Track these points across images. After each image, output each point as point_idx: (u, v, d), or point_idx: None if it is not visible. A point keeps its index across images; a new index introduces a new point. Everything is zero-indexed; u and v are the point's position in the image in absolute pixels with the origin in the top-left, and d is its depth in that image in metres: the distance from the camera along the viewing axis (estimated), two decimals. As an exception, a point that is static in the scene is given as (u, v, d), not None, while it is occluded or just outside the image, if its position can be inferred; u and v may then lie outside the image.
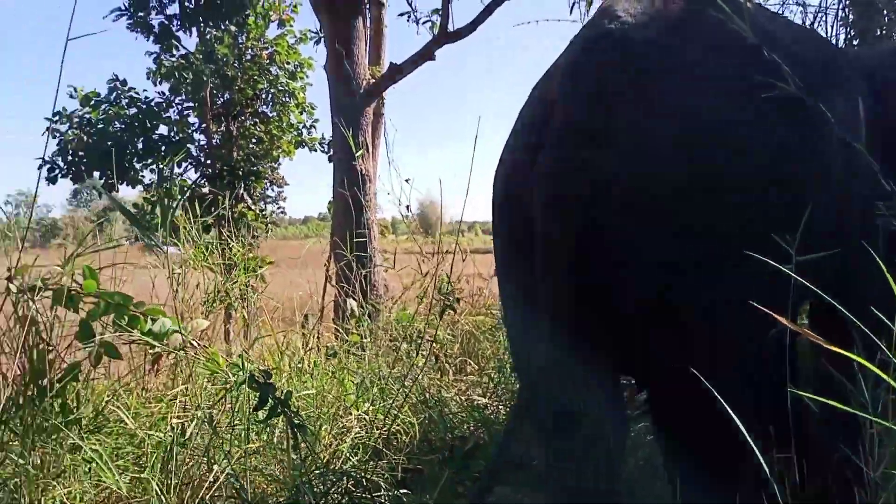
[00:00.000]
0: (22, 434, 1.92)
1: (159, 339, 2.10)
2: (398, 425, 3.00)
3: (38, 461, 1.97)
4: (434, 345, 3.67)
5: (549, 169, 1.73)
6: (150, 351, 2.25)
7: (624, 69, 1.66)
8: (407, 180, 5.70)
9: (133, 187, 9.64)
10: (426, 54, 6.06)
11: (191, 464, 2.28)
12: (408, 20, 7.42)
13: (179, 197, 3.02)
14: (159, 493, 1.83)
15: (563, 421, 1.80)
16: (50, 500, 1.92)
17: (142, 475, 2.10)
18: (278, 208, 10.84)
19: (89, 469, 2.10)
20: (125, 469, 2.19)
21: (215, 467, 2.27)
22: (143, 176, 9.75)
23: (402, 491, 2.60)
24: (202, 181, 9.46)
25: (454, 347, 4.34)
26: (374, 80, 6.21)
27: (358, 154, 5.39)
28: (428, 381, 3.52)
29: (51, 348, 2.04)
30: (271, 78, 10.40)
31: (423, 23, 7.17)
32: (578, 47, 1.78)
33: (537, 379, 1.90)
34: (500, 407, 3.74)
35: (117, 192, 9.78)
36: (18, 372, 1.95)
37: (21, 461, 1.87)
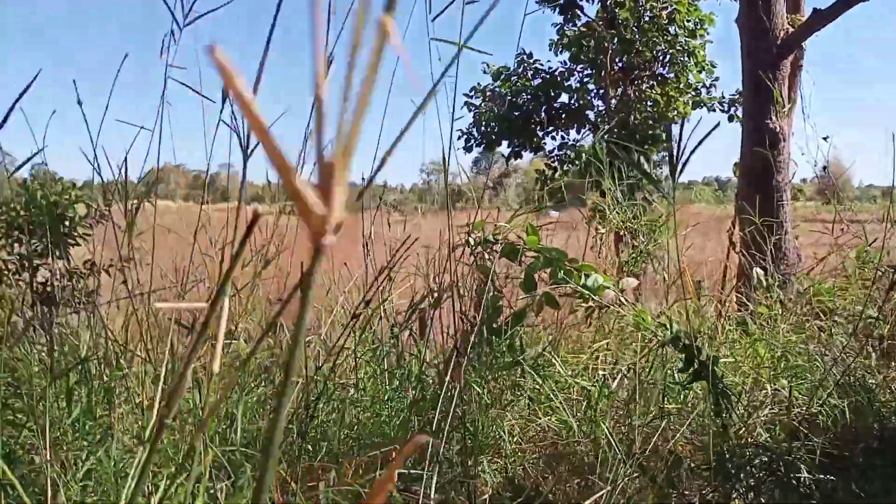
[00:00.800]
0: (478, 368, 2.21)
1: (593, 293, 2.23)
2: (817, 407, 2.76)
3: (488, 393, 2.24)
4: (865, 324, 3.27)
5: None
6: (584, 304, 2.39)
7: None
8: (825, 138, 5.11)
9: (535, 154, 10.31)
10: (858, -5, 5.30)
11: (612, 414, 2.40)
12: (832, -43, 6.58)
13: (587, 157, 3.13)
14: (610, 438, 1.95)
15: None
16: (499, 429, 2.19)
17: (566, 418, 2.27)
18: (662, 173, 10.67)
19: (527, 406, 2.34)
20: (553, 410, 2.39)
21: (633, 421, 2.35)
22: (545, 143, 10.36)
23: (826, 476, 2.40)
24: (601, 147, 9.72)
25: (883, 329, 3.82)
26: (792, 30, 5.65)
27: (784, 110, 4.98)
28: (851, 363, 3.16)
29: (500, 295, 2.30)
30: (669, 38, 10.15)
31: (854, -42, 6.28)
32: None
33: None
34: (947, 402, 3.21)
35: (521, 158, 10.58)
36: (475, 314, 2.24)
37: (478, 390, 2.16)
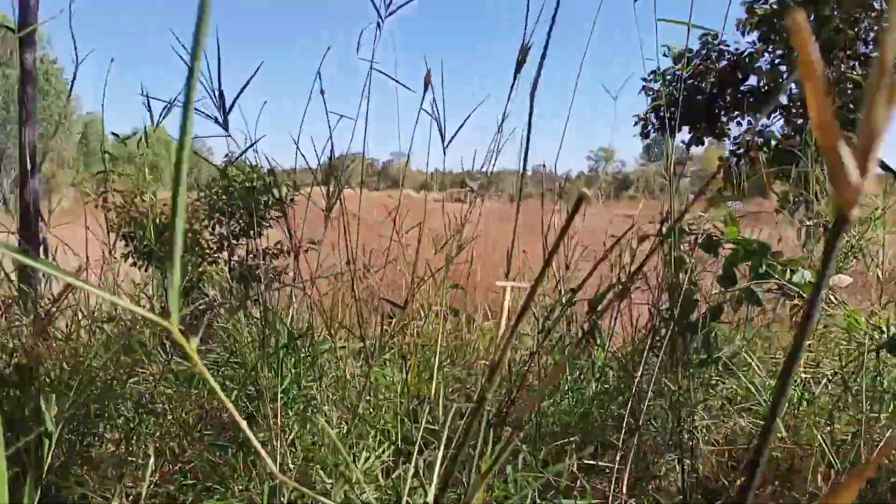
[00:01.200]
0: (669, 365, 2.13)
1: (801, 289, 2.07)
2: None
3: (679, 390, 2.16)
4: None
5: None
6: (789, 302, 2.24)
7: None
8: None
9: (719, 140, 9.77)
10: None
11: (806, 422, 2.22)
12: None
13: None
14: (825, 447, 1.82)
15: None
16: (689, 428, 2.10)
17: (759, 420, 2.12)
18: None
19: (720, 406, 2.23)
20: (748, 411, 2.25)
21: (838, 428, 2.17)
22: (729, 129, 9.79)
23: None
24: (791, 133, 9.03)
25: None
26: None
27: None
28: None
29: (696, 289, 2.20)
30: (875, 14, 9.21)
31: None
32: None
33: None
34: None
35: (703, 145, 10.06)
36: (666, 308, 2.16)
37: (671, 386, 2.08)
